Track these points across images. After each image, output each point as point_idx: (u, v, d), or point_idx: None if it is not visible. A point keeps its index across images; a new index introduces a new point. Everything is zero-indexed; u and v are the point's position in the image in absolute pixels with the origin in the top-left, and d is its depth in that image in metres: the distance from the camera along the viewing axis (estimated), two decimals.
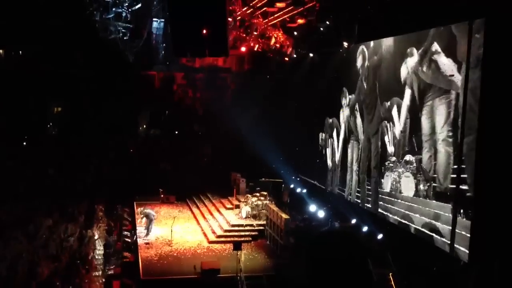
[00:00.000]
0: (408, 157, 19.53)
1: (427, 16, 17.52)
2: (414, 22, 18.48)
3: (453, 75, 16.49)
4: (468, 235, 15.46)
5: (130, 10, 35.17)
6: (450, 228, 16.35)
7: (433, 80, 17.75)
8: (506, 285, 14.12)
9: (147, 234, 25.80)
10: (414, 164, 18.98)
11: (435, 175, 17.48)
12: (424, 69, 18.32)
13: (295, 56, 31.72)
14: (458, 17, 16.26)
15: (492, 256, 14.41)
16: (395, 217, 20.20)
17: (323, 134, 29.05)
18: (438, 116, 17.40)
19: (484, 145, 14.94)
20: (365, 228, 22.73)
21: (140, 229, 26.31)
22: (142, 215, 26.20)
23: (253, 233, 26.32)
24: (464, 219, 15.77)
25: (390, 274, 18.66)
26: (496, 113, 14.61)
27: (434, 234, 17.30)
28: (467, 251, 15.46)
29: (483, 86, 14.94)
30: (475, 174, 15.26)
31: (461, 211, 15.95)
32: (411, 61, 19.37)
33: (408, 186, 19.34)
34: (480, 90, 15.03)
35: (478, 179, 15.17)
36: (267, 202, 27.57)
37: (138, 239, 25.10)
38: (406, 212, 19.32)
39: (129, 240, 25.46)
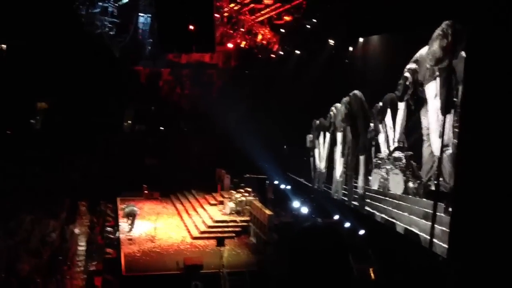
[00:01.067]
0: (397, 154, 19.33)
1: (415, 15, 17.58)
2: (402, 21, 18.53)
3: (438, 75, 16.58)
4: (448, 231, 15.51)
5: (116, 4, 35.03)
6: (441, 228, 16.06)
7: (422, 77, 17.79)
8: (485, 281, 14.19)
9: (131, 230, 25.69)
10: (403, 161, 18.72)
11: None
12: (414, 66, 18.33)
13: (281, 53, 31.71)
14: (443, 16, 16.33)
15: (472, 252, 14.47)
16: (383, 215, 20.01)
17: (311, 131, 28.98)
18: (430, 112, 17.26)
19: (464, 143, 14.99)
20: (347, 224, 22.77)
21: (124, 225, 26.20)
22: (126, 215, 26.13)
23: (237, 229, 26.28)
24: (444, 215, 15.81)
25: (371, 269, 18.72)
26: (476, 113, 14.64)
27: (423, 234, 17.02)
28: (447, 247, 15.54)
29: (465, 85, 15.02)
30: (455, 171, 15.32)
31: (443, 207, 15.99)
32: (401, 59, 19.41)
33: (396, 183, 19.09)
34: (462, 89, 15.11)
35: (457, 176, 15.22)
36: (251, 198, 27.55)
37: (120, 235, 24.96)
38: (395, 210, 19.07)
39: (112, 236, 25.30)
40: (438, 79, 16.67)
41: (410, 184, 18.09)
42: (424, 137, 17.27)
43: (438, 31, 16.67)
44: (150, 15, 39.87)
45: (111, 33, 36.72)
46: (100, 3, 35.36)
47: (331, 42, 25.54)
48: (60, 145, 30.87)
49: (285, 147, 30.46)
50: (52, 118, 34.73)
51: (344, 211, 23.50)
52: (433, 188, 16.50)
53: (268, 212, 23.84)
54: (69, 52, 32.61)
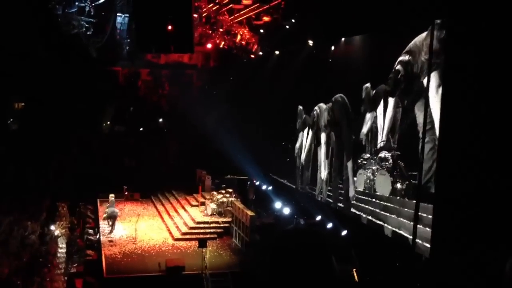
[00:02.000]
0: (383, 154, 19.01)
1: (395, 15, 17.74)
2: (382, 20, 18.69)
3: (420, 73, 16.73)
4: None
5: (93, 4, 34.67)
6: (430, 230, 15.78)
7: (418, 69, 17.57)
8: (467, 280, 14.38)
9: (111, 231, 25.54)
10: (390, 161, 18.37)
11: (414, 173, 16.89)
12: (406, 58, 18.14)
13: (260, 53, 31.79)
14: (421, 16, 16.52)
15: (453, 252, 14.66)
16: (369, 217, 19.69)
17: (294, 131, 28.99)
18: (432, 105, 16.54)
19: (445, 142, 15.16)
20: (329, 225, 22.92)
21: (104, 227, 26.03)
22: (106, 217, 25.99)
23: (219, 230, 26.27)
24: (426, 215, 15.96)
25: (354, 270, 18.87)
26: (457, 112, 14.83)
27: (410, 237, 16.56)
28: (429, 247, 15.71)
29: (444, 85, 15.21)
30: (437, 171, 15.50)
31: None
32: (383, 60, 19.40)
33: (383, 184, 18.74)
34: (442, 89, 15.31)
35: (439, 175, 15.41)
36: (233, 199, 27.57)
37: (101, 237, 24.79)
38: (382, 212, 18.72)
39: (92, 238, 25.12)
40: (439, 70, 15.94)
41: (398, 185, 17.77)
42: (420, 134, 16.44)
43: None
44: (127, 15, 39.60)
45: (88, 33, 36.34)
46: (77, 3, 34.96)
47: (310, 42, 25.68)
48: (38, 146, 30.51)
49: (283, 143, 30.30)
50: (30, 118, 34.29)
51: (327, 212, 23.63)
52: (433, 190, 15.95)
53: (250, 213, 23.87)
54: (47, 52, 32.23)
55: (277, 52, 30.52)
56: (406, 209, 17.22)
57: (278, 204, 27.34)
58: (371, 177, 19.88)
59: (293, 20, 25.96)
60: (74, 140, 33.82)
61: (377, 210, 19.09)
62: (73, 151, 33.49)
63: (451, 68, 14.99)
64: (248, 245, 23.41)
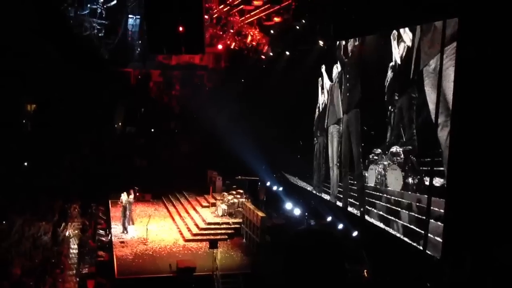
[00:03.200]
0: (394, 149, 18.90)
1: (404, 14, 17.67)
2: (390, 20, 18.62)
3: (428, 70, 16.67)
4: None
5: (105, 6, 34.82)
6: (442, 224, 15.82)
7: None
8: (477, 280, 14.29)
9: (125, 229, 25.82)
10: (402, 156, 18.28)
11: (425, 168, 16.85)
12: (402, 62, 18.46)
13: (271, 54, 31.77)
14: (432, 15, 16.44)
15: (465, 252, 14.56)
16: (380, 213, 19.61)
17: (306, 131, 29.08)
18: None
19: (458, 138, 15.05)
20: (340, 226, 22.84)
21: (116, 227, 26.18)
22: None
23: (229, 231, 26.27)
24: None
25: (365, 271, 18.80)
26: (469, 108, 14.73)
27: (423, 231, 16.62)
28: (441, 247, 15.63)
29: (456, 82, 15.11)
30: (448, 168, 15.40)
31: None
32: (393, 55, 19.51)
33: (395, 179, 18.69)
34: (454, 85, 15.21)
35: (451, 173, 15.31)
36: (244, 200, 27.55)
37: (113, 238, 24.90)
38: (393, 207, 18.65)
39: (104, 239, 25.22)
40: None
41: (410, 180, 17.67)
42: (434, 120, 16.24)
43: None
44: (139, 16, 39.75)
45: (100, 35, 36.51)
46: (89, 5, 35.13)
47: (321, 42, 25.64)
48: (50, 147, 30.71)
49: (301, 142, 30.28)
50: (42, 119, 34.53)
51: (337, 213, 23.55)
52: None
53: (260, 214, 23.87)
54: (59, 54, 32.40)
55: (287, 53, 30.47)
56: (418, 204, 17.09)
57: (289, 205, 27.29)
58: (382, 172, 19.77)
59: (303, 21, 25.91)
60: (86, 141, 33.97)
61: (388, 205, 18.97)
62: (85, 152, 33.64)
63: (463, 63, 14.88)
64: (259, 246, 23.40)
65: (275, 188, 30.93)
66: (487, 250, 13.61)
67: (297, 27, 26.59)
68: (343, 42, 24.18)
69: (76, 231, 25.29)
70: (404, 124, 18.32)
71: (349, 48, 23.76)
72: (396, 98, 19.00)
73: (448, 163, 15.42)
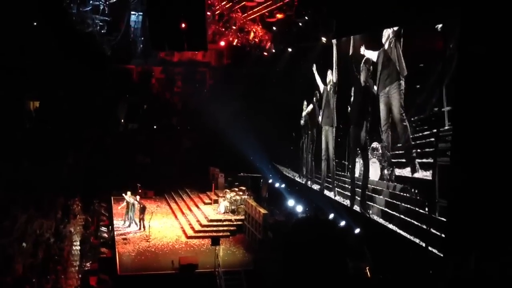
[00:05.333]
0: (375, 145, 20.58)
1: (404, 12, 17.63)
2: (390, 18, 18.59)
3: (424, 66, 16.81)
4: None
5: (107, 3, 34.79)
6: (407, 206, 17.68)
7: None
8: (481, 278, 14.27)
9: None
10: (380, 151, 20.07)
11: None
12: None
13: (273, 50, 31.70)
14: (432, 13, 16.39)
15: (467, 250, 14.54)
16: (359, 198, 21.78)
17: (302, 128, 29.21)
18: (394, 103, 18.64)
19: (459, 137, 15.02)
20: (342, 223, 22.80)
21: (119, 224, 26.25)
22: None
23: (232, 228, 26.30)
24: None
25: (367, 268, 18.78)
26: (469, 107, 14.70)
27: (395, 213, 18.44)
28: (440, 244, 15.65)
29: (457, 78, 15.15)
30: (451, 166, 15.37)
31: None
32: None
33: (374, 171, 20.59)
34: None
35: (453, 170, 15.28)
36: (246, 197, 27.58)
37: (115, 234, 24.94)
38: (372, 194, 20.67)
39: (106, 236, 25.27)
40: None
41: (385, 171, 19.56)
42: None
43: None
44: (141, 13, 39.75)
45: (103, 31, 36.51)
46: (91, 1, 35.12)
47: (324, 39, 25.57)
48: (52, 143, 30.68)
49: (293, 134, 30.42)
50: (44, 116, 34.53)
51: (340, 210, 23.53)
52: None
53: (263, 210, 23.88)
54: (61, 51, 32.41)
55: (290, 49, 30.42)
56: (390, 191, 19.10)
57: (291, 202, 27.29)
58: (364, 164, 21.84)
59: (306, 17, 25.85)
60: (88, 138, 33.96)
61: (368, 193, 20.99)
62: (87, 148, 33.63)
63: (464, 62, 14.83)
64: (261, 242, 23.41)
65: (277, 185, 30.91)
66: (490, 248, 13.58)
67: (300, 24, 26.51)
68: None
69: (79, 228, 25.35)
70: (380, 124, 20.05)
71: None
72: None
73: (451, 161, 15.40)
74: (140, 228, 25.77)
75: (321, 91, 26.22)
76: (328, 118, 25.38)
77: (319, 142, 26.53)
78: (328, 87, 25.30)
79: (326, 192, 25.23)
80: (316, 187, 26.78)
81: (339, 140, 24.41)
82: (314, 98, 26.99)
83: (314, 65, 26.98)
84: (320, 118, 26.31)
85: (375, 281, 18.49)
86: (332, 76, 24.91)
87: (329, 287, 15.35)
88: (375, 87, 20.16)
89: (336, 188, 24.30)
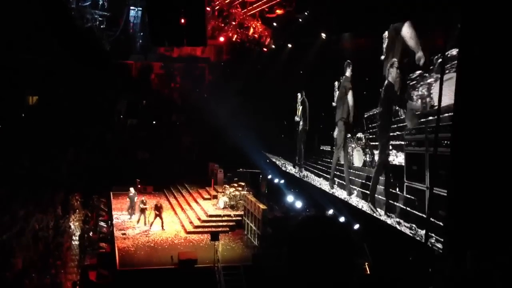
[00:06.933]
0: (359, 135, 22.81)
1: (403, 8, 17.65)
2: (391, 14, 18.59)
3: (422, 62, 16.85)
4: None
5: None
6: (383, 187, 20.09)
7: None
8: (479, 275, 14.30)
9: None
10: (363, 141, 22.34)
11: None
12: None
13: (273, 46, 31.67)
14: (434, 9, 16.39)
15: (467, 246, 14.55)
16: (342, 182, 24.45)
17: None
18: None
19: (460, 136, 15.03)
20: (342, 219, 22.84)
21: (120, 218, 26.27)
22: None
23: (231, 224, 26.32)
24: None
25: (367, 264, 18.82)
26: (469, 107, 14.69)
27: (377, 195, 20.65)
28: (443, 240, 15.67)
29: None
30: (451, 165, 15.39)
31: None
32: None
33: (358, 158, 23.04)
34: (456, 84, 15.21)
35: (453, 170, 15.30)
36: (245, 192, 27.57)
37: (115, 229, 24.96)
38: (356, 179, 23.09)
39: (106, 231, 25.27)
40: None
41: (367, 158, 21.96)
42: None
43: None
44: (140, 8, 39.72)
45: (102, 26, 36.49)
46: None
47: (323, 35, 25.55)
48: (51, 139, 30.70)
49: (285, 122, 30.64)
50: (44, 111, 34.51)
51: (339, 205, 23.59)
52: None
53: (262, 206, 23.89)
54: (60, 46, 32.35)
55: (289, 45, 30.40)
56: (370, 175, 21.59)
57: (290, 198, 27.32)
58: (351, 152, 24.06)
59: (306, 13, 25.82)
60: (88, 133, 33.96)
61: (352, 178, 23.49)
62: (87, 144, 33.64)
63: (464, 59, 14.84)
64: (261, 238, 23.42)
65: (276, 180, 30.94)
66: (489, 246, 13.59)
67: (300, 20, 26.48)
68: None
69: (78, 223, 25.36)
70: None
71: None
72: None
73: (452, 160, 15.43)
74: (145, 224, 25.73)
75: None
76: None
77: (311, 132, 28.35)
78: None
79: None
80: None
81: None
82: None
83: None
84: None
85: (374, 278, 18.55)
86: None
87: (335, 284, 15.25)
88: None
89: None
